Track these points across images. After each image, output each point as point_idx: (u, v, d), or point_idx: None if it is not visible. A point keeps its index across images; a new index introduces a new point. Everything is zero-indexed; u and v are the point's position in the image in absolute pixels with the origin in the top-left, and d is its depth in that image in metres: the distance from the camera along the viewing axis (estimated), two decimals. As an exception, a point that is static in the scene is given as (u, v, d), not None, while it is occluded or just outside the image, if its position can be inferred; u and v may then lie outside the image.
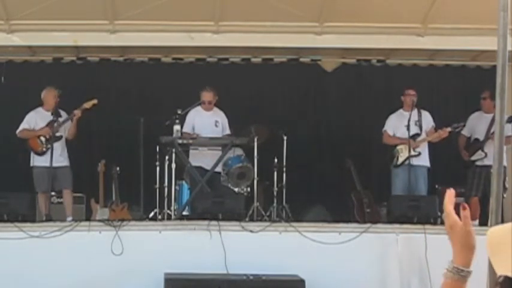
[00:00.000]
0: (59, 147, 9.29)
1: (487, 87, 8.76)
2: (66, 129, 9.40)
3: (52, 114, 9.23)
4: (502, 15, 4.53)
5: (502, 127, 4.54)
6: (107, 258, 8.03)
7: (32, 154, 9.35)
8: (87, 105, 9.30)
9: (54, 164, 9.13)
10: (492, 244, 1.85)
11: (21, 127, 9.38)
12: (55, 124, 9.26)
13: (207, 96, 9.44)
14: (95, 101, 9.32)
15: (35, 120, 9.35)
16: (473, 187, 9.59)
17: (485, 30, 8.26)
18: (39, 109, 9.42)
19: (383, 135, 9.69)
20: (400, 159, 9.45)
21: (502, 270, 1.80)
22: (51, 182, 9.19)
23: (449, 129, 9.40)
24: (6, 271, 7.89)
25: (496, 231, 1.87)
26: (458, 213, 1.98)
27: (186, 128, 9.32)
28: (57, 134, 9.28)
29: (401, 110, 9.66)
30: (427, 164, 9.51)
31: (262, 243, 8.28)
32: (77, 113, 9.26)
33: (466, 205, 1.98)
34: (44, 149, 9.22)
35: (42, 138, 9.26)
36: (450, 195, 2.01)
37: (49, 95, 9.34)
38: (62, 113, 9.37)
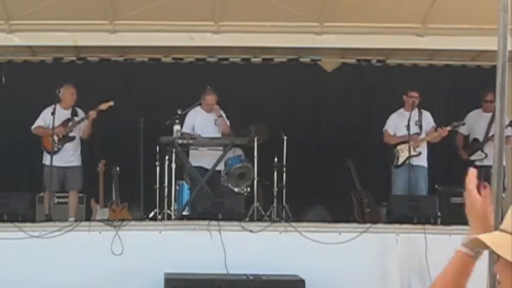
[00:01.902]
0: (71, 148, 9.30)
1: (490, 89, 8.71)
2: (81, 130, 9.40)
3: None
4: (502, 15, 4.52)
5: (502, 127, 4.52)
6: (107, 258, 8.03)
7: (44, 152, 9.33)
8: (103, 106, 9.31)
9: (64, 164, 9.17)
10: (492, 241, 1.86)
11: (36, 124, 9.35)
12: (70, 123, 9.26)
13: (209, 99, 9.44)
14: (111, 103, 9.32)
15: (51, 117, 9.30)
16: (473, 187, 9.57)
17: (485, 30, 8.26)
18: (56, 106, 9.33)
19: (384, 134, 9.69)
20: (401, 160, 9.45)
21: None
22: (56, 182, 9.19)
23: (449, 128, 9.40)
24: (6, 271, 7.89)
25: (489, 236, 1.89)
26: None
27: (186, 129, 9.32)
28: (71, 135, 9.29)
29: (402, 110, 9.65)
30: (426, 164, 9.50)
31: (262, 243, 8.28)
32: (92, 113, 9.26)
33: (487, 184, 2.05)
34: (56, 149, 9.20)
35: (55, 137, 9.23)
36: (472, 174, 2.06)
37: (67, 93, 9.30)
38: (79, 111, 9.35)
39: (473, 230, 2.03)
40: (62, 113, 9.26)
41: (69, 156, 9.24)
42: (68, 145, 9.22)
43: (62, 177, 9.27)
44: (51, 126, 9.20)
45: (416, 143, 9.40)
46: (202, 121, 9.44)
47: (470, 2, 8.90)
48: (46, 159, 9.27)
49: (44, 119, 9.32)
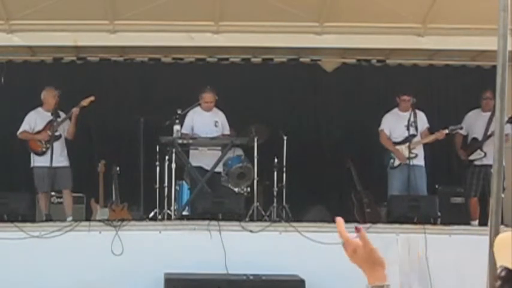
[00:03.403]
0: (58, 148, 9.30)
1: (489, 88, 8.72)
2: (65, 129, 9.41)
3: (52, 114, 9.23)
4: (502, 15, 4.52)
5: (502, 127, 4.52)
6: (107, 258, 8.04)
7: (32, 154, 9.36)
8: (85, 102, 9.31)
9: (54, 164, 9.14)
10: (498, 243, 1.87)
11: (21, 128, 9.39)
12: (54, 124, 9.27)
13: (207, 97, 9.43)
14: (92, 98, 9.32)
15: (35, 120, 9.37)
16: (472, 187, 9.58)
17: (485, 30, 8.26)
18: (39, 109, 9.44)
19: (380, 134, 9.67)
20: (397, 161, 9.43)
21: (503, 262, 1.82)
22: (51, 182, 9.19)
23: (446, 131, 9.38)
24: (6, 271, 7.89)
25: (505, 234, 1.90)
26: None
27: (185, 129, 9.31)
28: (56, 134, 9.29)
29: (396, 110, 9.63)
30: (423, 163, 9.50)
31: (262, 243, 8.28)
32: (75, 110, 9.27)
33: (359, 226, 2.08)
34: (44, 149, 9.23)
35: (42, 140, 9.27)
36: (340, 222, 2.08)
37: (49, 95, 9.34)
38: (61, 113, 9.38)
39: (370, 274, 2.00)
40: (45, 116, 9.30)
41: (58, 157, 9.24)
42: (55, 145, 9.22)
43: (53, 178, 9.25)
44: (36, 129, 9.30)
45: (412, 146, 9.38)
46: (201, 121, 9.43)
47: (470, 2, 8.90)
48: (35, 162, 9.29)
49: (29, 123, 9.38)
